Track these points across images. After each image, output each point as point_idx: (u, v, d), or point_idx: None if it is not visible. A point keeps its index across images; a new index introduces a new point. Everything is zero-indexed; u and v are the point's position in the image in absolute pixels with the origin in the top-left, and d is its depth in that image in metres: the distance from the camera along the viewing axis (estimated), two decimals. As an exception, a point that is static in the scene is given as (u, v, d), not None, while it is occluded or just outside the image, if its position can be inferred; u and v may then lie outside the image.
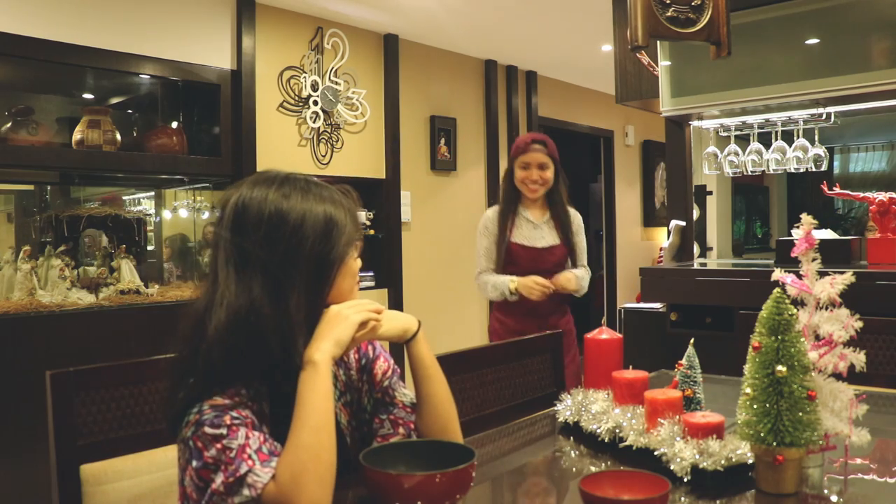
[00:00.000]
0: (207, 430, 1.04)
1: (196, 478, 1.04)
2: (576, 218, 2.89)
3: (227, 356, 1.07)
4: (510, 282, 2.72)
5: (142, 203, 3.63)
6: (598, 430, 1.43)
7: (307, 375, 1.08)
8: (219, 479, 1.02)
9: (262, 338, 1.08)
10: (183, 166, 3.40)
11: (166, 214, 3.78)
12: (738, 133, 3.41)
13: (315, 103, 3.96)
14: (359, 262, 1.24)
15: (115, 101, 3.56)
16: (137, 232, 3.41)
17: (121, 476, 1.35)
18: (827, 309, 1.29)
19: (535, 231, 2.81)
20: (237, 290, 1.10)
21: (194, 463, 1.04)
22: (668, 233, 3.89)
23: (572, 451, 1.48)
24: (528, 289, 2.68)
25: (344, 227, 1.17)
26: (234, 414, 1.05)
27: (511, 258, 2.78)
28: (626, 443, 1.35)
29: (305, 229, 1.13)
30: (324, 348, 1.09)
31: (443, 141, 4.72)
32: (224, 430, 1.03)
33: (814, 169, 3.26)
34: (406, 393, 1.34)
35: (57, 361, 1.48)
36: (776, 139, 3.31)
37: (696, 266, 3.38)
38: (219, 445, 1.03)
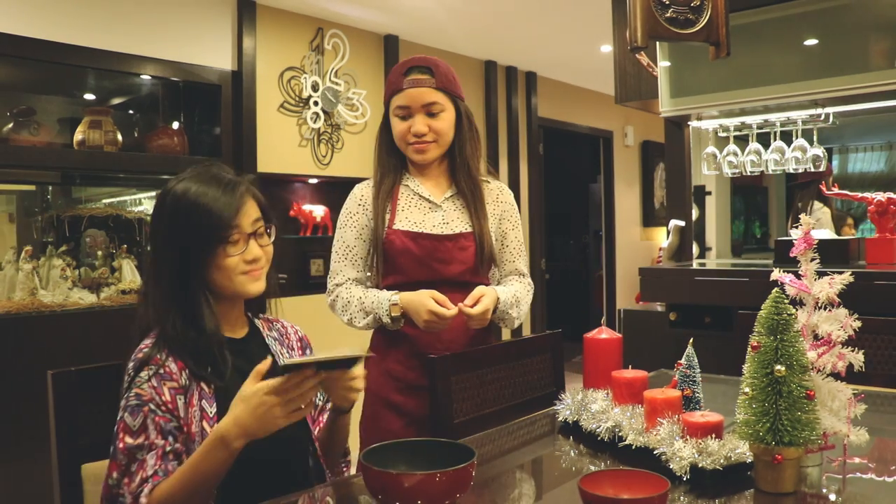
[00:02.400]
0: (127, 418, 1.19)
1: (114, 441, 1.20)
2: (501, 195, 1.90)
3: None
4: (389, 299, 1.71)
5: (143, 203, 3.63)
6: (598, 430, 1.43)
7: (217, 449, 1.14)
8: (116, 472, 1.17)
9: (146, 310, 1.28)
10: (184, 166, 3.35)
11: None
12: (736, 133, 3.41)
13: (315, 104, 3.97)
14: (239, 258, 1.30)
15: (116, 101, 3.56)
16: (139, 232, 3.41)
17: (123, 475, 1.35)
18: (825, 309, 1.29)
19: (432, 213, 1.81)
20: (145, 274, 1.35)
21: (117, 433, 1.19)
22: (668, 233, 3.90)
23: (572, 451, 1.49)
24: (419, 313, 1.65)
25: (209, 224, 1.27)
26: (153, 407, 1.18)
27: (390, 259, 1.78)
28: (626, 442, 1.36)
29: (178, 216, 1.27)
30: (239, 436, 1.14)
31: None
32: (137, 424, 1.18)
33: (812, 169, 3.26)
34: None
35: (58, 361, 1.49)
36: (775, 139, 3.32)
37: (695, 266, 3.39)
38: (130, 441, 1.17)
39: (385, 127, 1.89)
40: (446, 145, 1.83)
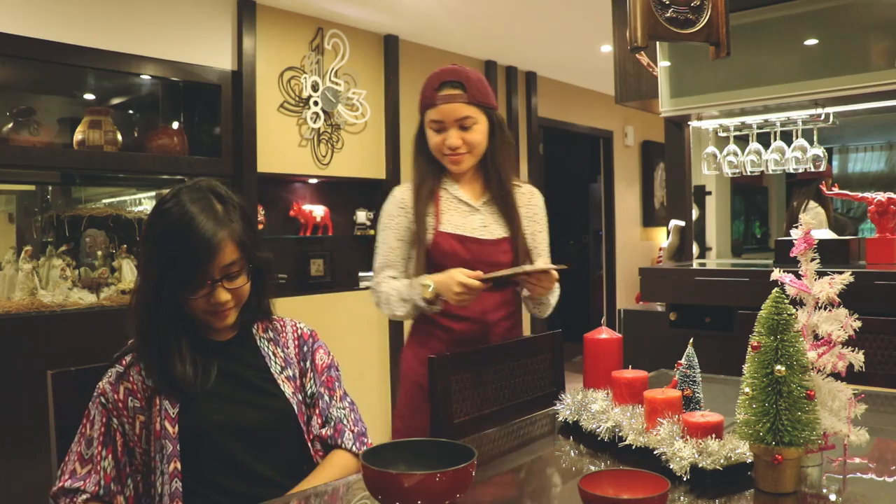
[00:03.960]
0: (91, 407, 1.30)
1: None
2: (532, 198, 1.98)
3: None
4: (423, 287, 1.77)
5: (143, 203, 3.64)
6: (598, 430, 1.43)
7: None
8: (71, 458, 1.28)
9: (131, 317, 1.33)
10: (184, 167, 3.40)
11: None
12: (737, 133, 3.41)
13: (315, 104, 3.97)
14: (204, 300, 1.31)
15: (116, 101, 3.57)
16: (139, 232, 3.41)
17: (123, 475, 1.35)
18: (826, 308, 1.29)
19: (471, 216, 1.89)
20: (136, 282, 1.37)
21: (83, 419, 1.31)
22: (668, 233, 3.90)
23: (572, 451, 1.49)
24: (452, 294, 1.70)
25: (175, 273, 1.28)
26: (103, 401, 1.28)
27: (438, 260, 1.85)
28: (626, 442, 1.36)
29: (156, 249, 1.30)
30: None
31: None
32: (93, 414, 1.30)
33: (812, 169, 3.26)
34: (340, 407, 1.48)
35: (58, 361, 1.49)
36: (775, 139, 3.32)
37: (695, 266, 3.39)
38: (88, 430, 1.29)
39: (421, 135, 1.93)
40: (480, 154, 1.90)
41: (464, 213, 1.89)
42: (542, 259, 1.97)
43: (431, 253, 1.86)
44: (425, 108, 1.87)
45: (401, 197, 1.93)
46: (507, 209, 1.90)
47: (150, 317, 1.30)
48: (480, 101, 1.85)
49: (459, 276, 1.71)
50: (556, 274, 1.78)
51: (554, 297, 1.94)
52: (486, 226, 1.90)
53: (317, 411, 1.43)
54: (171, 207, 1.30)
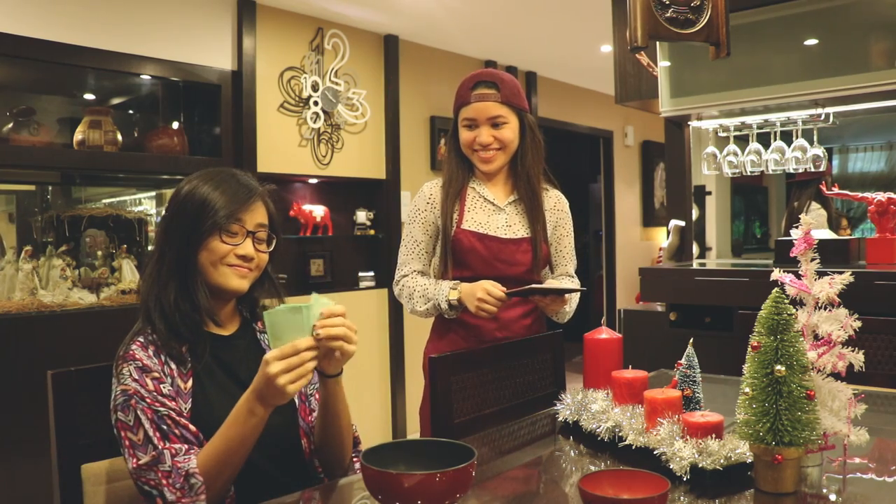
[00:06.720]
0: (121, 416, 1.22)
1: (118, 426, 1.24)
2: (558, 203, 2.04)
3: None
4: (450, 290, 1.86)
5: (143, 203, 3.64)
6: (598, 430, 1.43)
7: (248, 416, 1.20)
8: (135, 460, 1.20)
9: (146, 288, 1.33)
10: (184, 167, 3.40)
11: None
12: (736, 133, 3.41)
13: (315, 104, 3.97)
14: (231, 249, 1.33)
15: (116, 101, 3.56)
16: (139, 232, 3.41)
17: (122, 475, 1.35)
18: (826, 308, 1.29)
19: (496, 215, 1.95)
20: (149, 260, 1.36)
21: (119, 433, 1.23)
22: (668, 233, 3.90)
23: (572, 451, 1.49)
24: (474, 299, 1.80)
25: (214, 209, 1.30)
26: (137, 399, 1.22)
27: (458, 256, 1.92)
28: (626, 442, 1.36)
29: (184, 205, 1.31)
30: (262, 409, 1.20)
31: (443, 141, 4.73)
32: (131, 420, 1.22)
33: (812, 169, 3.26)
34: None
35: (58, 361, 1.50)
36: (775, 139, 3.32)
37: (695, 266, 3.39)
38: (133, 437, 1.21)
39: (454, 135, 2.00)
40: (510, 154, 1.96)
41: (488, 212, 1.96)
42: (563, 268, 2.05)
43: (454, 248, 1.93)
44: (460, 107, 1.95)
45: (429, 193, 1.99)
46: (532, 210, 1.96)
47: (185, 269, 1.32)
48: (513, 101, 1.92)
49: (486, 284, 1.80)
50: (566, 296, 1.88)
51: (570, 305, 1.98)
52: (509, 225, 1.96)
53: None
54: (203, 177, 1.36)
